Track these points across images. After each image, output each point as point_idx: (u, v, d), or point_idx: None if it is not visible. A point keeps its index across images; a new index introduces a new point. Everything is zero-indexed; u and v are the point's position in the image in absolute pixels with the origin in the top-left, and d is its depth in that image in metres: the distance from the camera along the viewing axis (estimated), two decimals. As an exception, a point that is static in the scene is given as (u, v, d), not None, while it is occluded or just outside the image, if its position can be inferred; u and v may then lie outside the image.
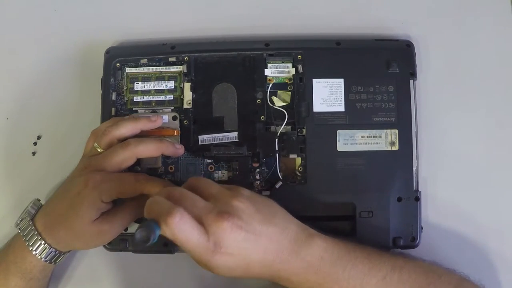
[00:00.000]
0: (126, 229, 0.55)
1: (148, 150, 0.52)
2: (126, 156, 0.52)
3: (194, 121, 0.57)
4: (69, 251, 0.54)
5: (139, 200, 0.52)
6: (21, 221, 0.53)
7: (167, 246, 0.55)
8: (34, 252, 0.51)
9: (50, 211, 0.52)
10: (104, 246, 0.55)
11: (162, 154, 0.54)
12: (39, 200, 0.55)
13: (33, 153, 0.60)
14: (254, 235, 0.47)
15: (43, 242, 0.51)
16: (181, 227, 0.44)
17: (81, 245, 0.54)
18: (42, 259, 0.52)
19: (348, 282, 0.48)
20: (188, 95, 0.57)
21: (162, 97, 0.57)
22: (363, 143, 0.55)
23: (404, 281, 0.49)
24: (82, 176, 0.51)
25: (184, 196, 0.46)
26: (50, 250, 0.52)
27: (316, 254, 0.48)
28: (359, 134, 0.55)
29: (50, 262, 0.53)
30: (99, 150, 0.53)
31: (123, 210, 0.52)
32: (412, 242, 0.54)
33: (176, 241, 0.45)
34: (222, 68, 0.57)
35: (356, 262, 0.49)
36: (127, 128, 0.53)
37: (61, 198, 0.52)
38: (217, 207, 0.46)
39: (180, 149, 0.54)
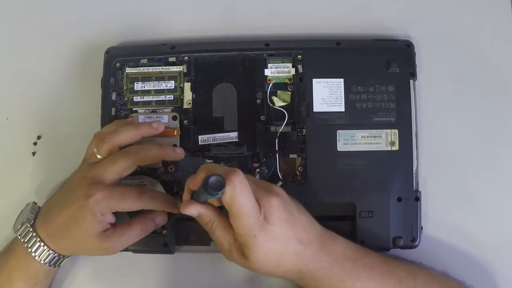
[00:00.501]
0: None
1: (149, 158, 0.52)
2: (126, 165, 0.51)
3: (194, 121, 0.57)
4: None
5: (146, 221, 0.52)
6: (20, 227, 0.52)
7: (167, 246, 0.55)
8: (37, 258, 0.51)
9: (51, 219, 0.51)
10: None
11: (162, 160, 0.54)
12: (36, 203, 0.54)
13: (33, 153, 0.60)
14: (293, 219, 0.49)
15: (46, 248, 0.51)
16: (242, 187, 0.46)
17: (83, 253, 0.54)
18: (47, 264, 0.52)
19: (369, 281, 0.49)
20: (188, 95, 0.57)
21: (162, 97, 0.57)
22: (363, 143, 0.55)
23: (419, 287, 0.50)
24: (83, 188, 0.50)
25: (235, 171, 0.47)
26: (54, 255, 0.52)
27: (340, 250, 0.50)
28: (359, 134, 0.55)
29: (55, 266, 0.53)
30: (98, 157, 0.52)
31: (129, 232, 0.52)
32: (412, 242, 0.54)
33: (233, 204, 0.46)
34: (222, 68, 0.57)
35: (374, 264, 0.51)
36: (127, 135, 0.52)
37: (63, 207, 0.51)
38: (263, 188, 0.49)
39: (180, 154, 0.54)
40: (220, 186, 0.44)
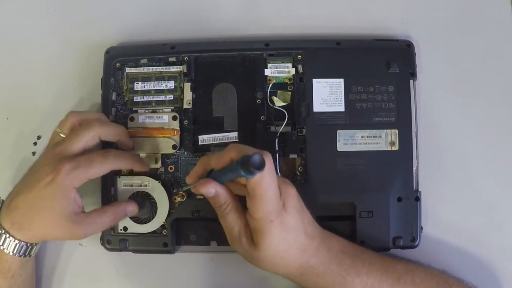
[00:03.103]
0: (126, 229, 0.55)
1: (111, 131, 0.52)
2: (89, 136, 0.51)
3: (194, 121, 0.57)
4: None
5: (118, 209, 0.52)
6: None
7: (167, 246, 0.55)
8: (7, 251, 0.50)
9: (16, 206, 0.50)
10: (104, 246, 0.56)
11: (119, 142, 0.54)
12: None
13: (33, 153, 0.60)
14: (303, 212, 0.50)
15: (12, 239, 0.50)
16: (271, 170, 0.46)
17: (52, 238, 0.53)
18: (16, 255, 0.51)
19: (368, 277, 0.50)
20: (188, 95, 0.57)
21: (162, 97, 0.57)
22: (363, 143, 0.55)
23: (417, 284, 0.50)
24: (49, 166, 0.49)
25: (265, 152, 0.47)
26: (21, 244, 0.50)
27: (339, 247, 0.51)
28: (359, 134, 0.55)
29: (25, 256, 0.51)
30: (62, 136, 0.52)
31: (101, 218, 0.51)
32: (412, 242, 0.54)
33: (260, 185, 0.45)
34: (222, 68, 0.57)
35: (372, 260, 0.51)
36: (89, 113, 0.53)
37: (29, 191, 0.49)
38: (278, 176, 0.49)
39: (131, 144, 0.55)
40: (262, 164, 0.42)
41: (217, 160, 0.48)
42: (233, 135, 0.56)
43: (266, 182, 0.46)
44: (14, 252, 0.50)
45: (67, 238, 0.53)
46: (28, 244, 0.51)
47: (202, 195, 0.49)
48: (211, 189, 0.48)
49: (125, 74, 0.57)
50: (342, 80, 0.56)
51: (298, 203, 0.49)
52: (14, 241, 0.50)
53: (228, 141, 0.56)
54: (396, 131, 0.55)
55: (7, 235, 0.50)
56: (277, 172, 0.55)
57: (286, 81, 0.57)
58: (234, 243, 0.50)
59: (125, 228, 0.55)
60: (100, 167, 0.50)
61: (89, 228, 0.50)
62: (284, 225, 0.48)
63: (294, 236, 0.48)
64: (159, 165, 0.56)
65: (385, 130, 0.55)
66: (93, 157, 0.50)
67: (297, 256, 0.49)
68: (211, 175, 0.49)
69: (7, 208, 0.50)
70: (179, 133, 0.56)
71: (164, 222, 0.55)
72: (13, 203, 0.50)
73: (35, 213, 0.49)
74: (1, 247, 0.50)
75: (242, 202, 0.49)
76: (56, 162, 0.49)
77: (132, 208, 0.53)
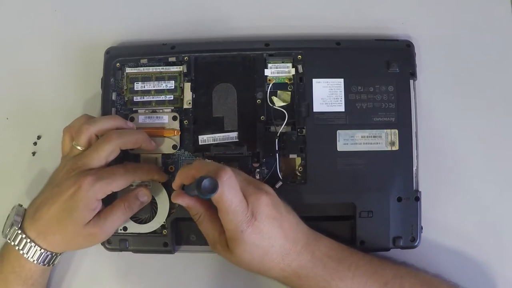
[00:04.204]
0: (125, 229, 0.55)
1: (131, 140, 0.53)
2: (110, 150, 0.52)
3: (194, 121, 0.57)
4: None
5: (128, 201, 0.53)
6: (9, 230, 0.52)
7: (167, 246, 0.55)
8: (31, 259, 0.51)
9: (40, 217, 0.51)
10: (104, 246, 0.56)
11: (141, 147, 0.54)
12: (22, 206, 0.54)
13: (33, 153, 0.60)
14: (281, 218, 0.49)
15: (38, 248, 0.51)
16: (230, 184, 0.47)
17: (75, 247, 0.55)
18: (40, 263, 0.52)
19: (353, 282, 0.49)
20: (188, 95, 0.57)
21: (162, 97, 0.57)
22: (363, 143, 0.55)
23: None
24: (72, 179, 0.51)
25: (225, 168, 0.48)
26: (46, 253, 0.51)
27: (324, 250, 0.50)
28: (359, 134, 0.55)
29: (48, 265, 0.53)
30: (79, 148, 0.52)
31: (113, 213, 0.52)
32: (412, 242, 0.54)
33: (221, 200, 0.47)
34: (222, 68, 0.57)
35: (359, 264, 0.51)
36: (104, 123, 0.53)
37: (52, 202, 0.51)
38: (253, 184, 0.50)
39: (154, 146, 0.55)
40: (213, 189, 0.44)
41: (184, 175, 0.50)
42: (233, 135, 0.56)
43: (226, 199, 0.46)
44: (38, 260, 0.51)
45: (88, 244, 0.53)
46: (53, 254, 0.52)
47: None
48: (181, 201, 0.50)
49: (125, 74, 0.57)
50: (342, 80, 0.56)
51: (273, 209, 0.49)
52: (39, 250, 0.51)
53: (228, 141, 0.56)
54: (396, 131, 0.55)
55: (33, 244, 0.51)
56: (277, 173, 0.55)
57: (286, 81, 0.57)
58: (212, 248, 0.52)
59: (125, 228, 0.55)
60: (122, 180, 0.52)
61: (105, 227, 0.51)
62: (256, 233, 0.48)
63: (270, 242, 0.48)
64: (159, 165, 0.56)
65: (385, 130, 0.55)
66: (115, 170, 0.52)
67: (277, 261, 0.49)
68: (183, 187, 0.50)
69: (32, 218, 0.51)
70: (179, 133, 0.56)
71: (164, 222, 0.55)
72: (38, 214, 0.51)
73: (60, 224, 0.50)
74: (26, 255, 0.51)
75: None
76: (78, 175, 0.51)
77: (144, 193, 0.53)
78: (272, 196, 0.50)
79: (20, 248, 0.51)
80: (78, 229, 0.50)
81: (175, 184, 0.51)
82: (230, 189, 0.47)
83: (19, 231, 0.51)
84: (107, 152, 0.51)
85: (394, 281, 0.50)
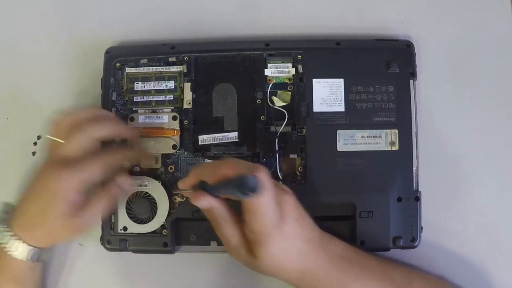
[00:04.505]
0: (125, 229, 0.55)
1: (105, 128, 0.52)
2: (82, 138, 0.50)
3: (194, 121, 0.57)
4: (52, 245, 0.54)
5: (108, 186, 0.52)
6: None
7: (167, 246, 0.55)
8: (18, 257, 0.51)
9: (24, 212, 0.51)
10: (104, 246, 0.56)
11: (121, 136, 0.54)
12: (9, 203, 0.53)
13: (33, 153, 0.60)
14: (302, 218, 0.49)
15: (24, 244, 0.50)
16: (267, 183, 0.45)
17: (61, 240, 0.54)
18: (28, 260, 0.51)
19: (367, 284, 0.50)
20: (188, 95, 0.57)
21: (162, 97, 0.57)
22: (363, 143, 0.55)
23: None
24: (47, 171, 0.50)
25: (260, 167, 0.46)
26: (33, 250, 0.51)
27: (338, 251, 0.50)
28: (359, 134, 0.55)
29: (37, 261, 0.52)
30: (60, 141, 0.51)
31: (95, 203, 0.51)
32: (412, 242, 0.54)
33: (257, 201, 0.45)
34: (222, 68, 0.57)
35: (372, 266, 0.51)
36: (79, 112, 0.52)
37: (31, 197, 0.51)
38: (276, 184, 0.48)
39: (133, 131, 0.54)
40: (258, 187, 0.42)
41: (211, 175, 0.47)
42: (233, 135, 0.56)
43: (263, 199, 0.45)
44: (26, 257, 0.51)
45: (71, 236, 0.53)
46: (38, 249, 0.51)
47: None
48: (206, 203, 0.47)
49: (125, 74, 0.57)
50: (342, 80, 0.56)
51: (297, 211, 0.48)
52: (25, 246, 0.51)
53: (228, 141, 0.56)
54: (396, 131, 0.55)
55: (19, 241, 0.50)
56: (277, 173, 0.55)
57: (286, 81, 0.57)
58: (232, 253, 0.50)
59: (125, 228, 0.55)
60: (94, 165, 0.50)
61: (86, 216, 0.50)
62: (283, 236, 0.47)
63: (292, 244, 0.48)
64: (159, 165, 0.56)
65: (385, 130, 0.55)
66: (87, 157, 0.50)
67: (296, 262, 0.48)
68: (203, 187, 0.47)
69: (17, 214, 0.51)
70: (179, 133, 0.56)
71: (164, 222, 0.55)
72: (20, 210, 0.51)
73: (41, 218, 0.50)
74: (13, 253, 0.50)
75: (238, 209, 0.48)
76: (54, 167, 0.50)
77: (123, 179, 0.52)
78: (294, 196, 0.49)
79: (7, 246, 0.50)
80: (59, 222, 0.50)
81: (187, 184, 0.49)
82: (266, 190, 0.45)
83: (6, 228, 0.51)
84: (79, 140, 0.50)
85: (404, 282, 0.51)
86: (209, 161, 0.55)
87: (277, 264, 0.48)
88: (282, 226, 0.47)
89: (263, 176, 0.45)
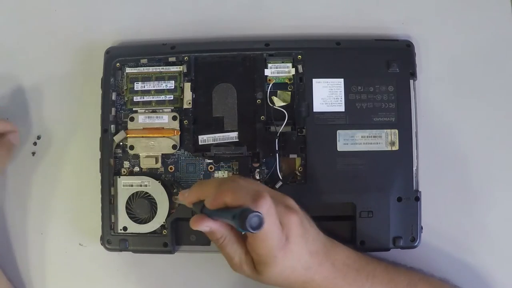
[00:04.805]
0: (125, 229, 0.55)
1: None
2: None
3: (194, 121, 0.56)
4: None
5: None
6: None
7: (167, 246, 0.55)
8: None
9: None
10: (104, 246, 0.56)
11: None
12: None
13: (33, 153, 0.60)
14: (306, 234, 0.48)
15: None
16: (269, 212, 0.44)
17: None
18: None
19: None
20: (188, 95, 0.57)
21: (162, 97, 0.57)
22: (363, 143, 0.55)
23: None
24: None
25: (264, 196, 0.45)
26: None
27: (343, 259, 0.50)
28: (359, 134, 0.55)
29: None
30: None
31: None
32: (412, 242, 0.54)
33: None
34: (222, 68, 0.57)
35: (376, 273, 0.51)
36: None
37: None
38: (280, 202, 0.47)
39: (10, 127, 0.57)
40: (260, 225, 0.41)
41: (211, 198, 0.46)
42: (233, 135, 0.56)
43: (266, 228, 0.43)
44: None
45: None
46: None
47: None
48: (205, 227, 0.47)
49: (125, 74, 0.57)
50: (342, 80, 0.56)
51: (301, 228, 0.47)
52: None
53: (228, 141, 0.56)
54: (396, 131, 0.55)
55: None
56: (277, 173, 0.55)
57: (286, 81, 0.57)
58: (236, 270, 0.49)
59: (125, 228, 0.55)
60: None
61: None
62: (288, 255, 0.46)
63: (298, 260, 0.47)
64: (159, 165, 0.56)
65: (385, 130, 0.55)
66: None
67: (301, 275, 0.48)
68: (203, 210, 0.47)
69: None
70: (179, 133, 0.56)
71: (164, 222, 0.55)
72: None
73: None
74: None
75: None
76: None
77: (13, 136, 0.57)
78: (298, 211, 0.48)
79: None
80: None
81: (187, 200, 0.49)
82: (269, 217, 0.44)
83: None
84: None
85: (409, 287, 0.51)
86: (215, 177, 0.55)
87: (282, 279, 0.48)
88: (287, 246, 0.46)
89: (266, 207, 0.44)
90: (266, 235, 0.45)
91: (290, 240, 0.46)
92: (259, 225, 0.41)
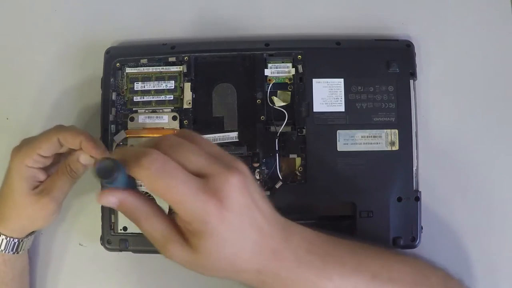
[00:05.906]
0: (125, 229, 0.55)
1: (68, 134, 0.49)
2: (47, 137, 0.50)
3: (194, 121, 0.57)
4: (30, 234, 0.54)
5: (69, 164, 0.50)
6: None
7: (167, 246, 0.55)
8: None
9: None
10: (104, 246, 0.56)
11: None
12: None
13: (33, 153, 0.60)
14: (255, 206, 0.40)
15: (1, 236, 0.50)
16: (161, 169, 0.37)
17: (32, 224, 0.52)
18: (7, 252, 0.51)
19: (341, 280, 0.43)
20: (188, 95, 0.57)
21: (162, 97, 0.57)
22: (363, 143, 0.55)
23: (395, 279, 0.44)
24: (11, 155, 0.51)
25: (180, 144, 0.39)
26: (9, 240, 0.51)
27: (305, 246, 0.43)
28: (359, 134, 0.55)
29: (16, 252, 0.52)
30: None
31: (58, 178, 0.51)
32: (412, 242, 0.54)
33: (159, 192, 0.38)
34: (222, 68, 0.57)
35: (344, 259, 0.44)
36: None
37: (2, 186, 0.51)
38: (222, 162, 0.40)
39: (98, 148, 0.48)
40: (108, 172, 0.36)
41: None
42: (233, 135, 0.56)
43: (161, 185, 0.37)
44: (3, 249, 0.51)
45: (47, 219, 0.51)
46: (16, 239, 0.51)
47: None
48: (112, 199, 0.39)
49: (125, 74, 0.57)
50: (342, 80, 0.56)
51: (244, 195, 0.39)
52: (5, 238, 0.51)
53: (228, 141, 0.56)
54: (396, 131, 0.55)
55: None
56: (277, 173, 0.55)
57: (286, 81, 0.57)
58: (165, 253, 0.41)
59: (125, 228, 0.55)
60: (43, 139, 0.50)
61: (53, 193, 0.50)
62: (226, 224, 0.39)
63: (241, 236, 0.40)
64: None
65: (385, 130, 0.56)
66: (41, 134, 0.51)
67: (252, 259, 0.40)
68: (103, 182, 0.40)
69: None
70: (179, 133, 0.56)
71: (164, 222, 0.55)
72: None
73: (7, 202, 0.50)
74: None
75: None
76: (13, 151, 0.51)
77: (83, 155, 0.49)
78: (245, 176, 0.40)
79: None
80: (21, 200, 0.49)
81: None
82: (164, 175, 0.37)
83: None
84: (45, 137, 0.50)
85: (382, 271, 0.44)
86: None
87: (226, 261, 0.40)
88: (222, 212, 0.38)
89: (148, 162, 0.37)
90: (174, 196, 0.38)
91: (227, 206, 0.38)
92: (107, 172, 0.36)
